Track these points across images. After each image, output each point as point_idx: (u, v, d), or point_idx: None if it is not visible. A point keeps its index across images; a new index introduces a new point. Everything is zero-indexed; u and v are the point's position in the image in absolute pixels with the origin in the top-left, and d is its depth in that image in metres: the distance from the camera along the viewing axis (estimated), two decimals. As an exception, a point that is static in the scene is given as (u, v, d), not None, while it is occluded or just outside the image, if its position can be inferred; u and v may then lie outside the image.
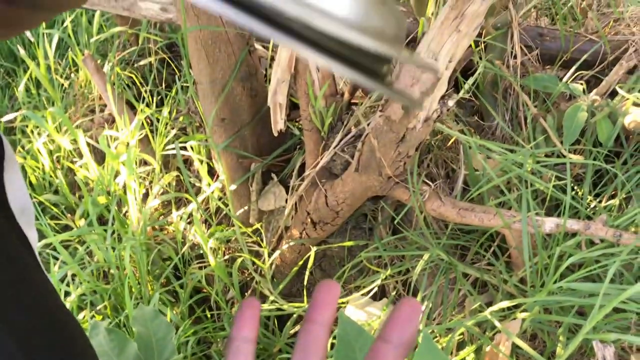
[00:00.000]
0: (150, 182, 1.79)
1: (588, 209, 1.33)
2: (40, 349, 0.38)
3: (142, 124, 1.76)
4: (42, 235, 1.64)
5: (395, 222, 1.39)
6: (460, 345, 1.23)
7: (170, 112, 1.85)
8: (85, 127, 2.04)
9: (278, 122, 1.33)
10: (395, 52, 0.29)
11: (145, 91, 1.95)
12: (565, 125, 1.35)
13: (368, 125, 1.15)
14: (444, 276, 1.31)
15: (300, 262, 1.46)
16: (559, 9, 1.59)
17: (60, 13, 0.45)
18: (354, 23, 0.28)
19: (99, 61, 2.00)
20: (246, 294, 1.58)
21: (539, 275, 1.15)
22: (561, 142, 1.34)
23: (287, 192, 1.51)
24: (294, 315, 1.43)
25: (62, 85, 2.23)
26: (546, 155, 1.34)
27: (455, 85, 1.47)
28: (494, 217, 1.14)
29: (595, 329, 1.06)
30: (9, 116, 2.07)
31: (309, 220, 1.35)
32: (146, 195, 1.75)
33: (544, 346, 1.20)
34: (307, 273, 1.43)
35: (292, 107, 1.50)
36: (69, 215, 1.87)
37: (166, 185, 1.77)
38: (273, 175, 1.56)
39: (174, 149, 1.70)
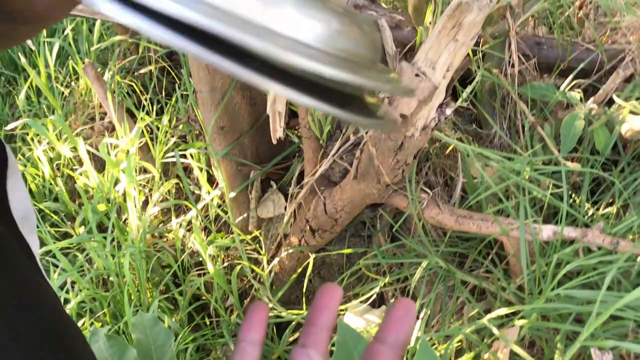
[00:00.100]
0: (150, 189, 1.80)
1: (586, 217, 1.34)
2: (42, 352, 0.38)
3: (142, 131, 1.77)
4: (42, 243, 1.64)
5: (394, 229, 1.39)
6: (459, 353, 1.23)
7: (170, 120, 1.86)
8: (85, 135, 2.05)
9: (277, 130, 1.33)
10: (364, 78, 0.26)
11: (146, 99, 1.96)
12: (562, 133, 1.35)
13: (366, 133, 1.16)
14: (442, 283, 1.31)
15: (299, 270, 1.46)
16: (556, 18, 1.60)
17: (45, 26, 0.43)
18: (318, 48, 0.26)
19: (99, 69, 2.01)
20: (245, 301, 1.58)
21: (537, 282, 1.15)
22: (559, 150, 1.34)
23: (286, 200, 1.51)
24: (293, 323, 1.44)
25: (63, 93, 2.24)
26: (544, 163, 1.35)
27: (453, 93, 1.48)
28: (492, 225, 1.14)
29: (593, 336, 1.06)
30: (12, 125, 2.08)
31: (308, 227, 1.36)
32: (146, 203, 1.76)
33: (542, 353, 1.20)
34: (306, 280, 1.44)
35: (291, 115, 1.51)
36: (68, 222, 1.88)
37: (166, 193, 1.78)
38: (272, 182, 1.57)
39: (173, 156, 1.70)
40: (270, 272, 1.50)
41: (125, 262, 1.48)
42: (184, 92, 1.92)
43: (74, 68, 2.25)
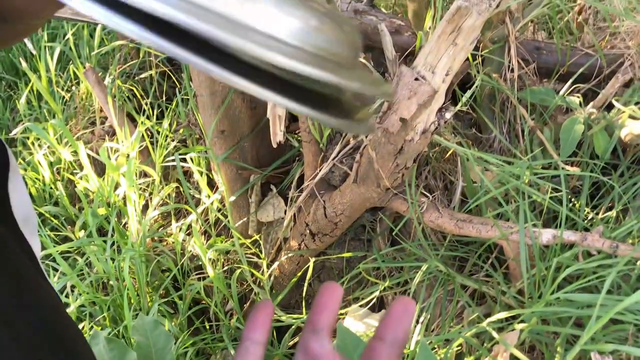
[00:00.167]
0: (150, 193, 1.80)
1: (585, 221, 1.34)
2: (42, 352, 0.38)
3: (143, 136, 1.77)
4: (42, 247, 1.64)
5: (394, 233, 1.39)
6: (459, 357, 1.23)
7: (170, 124, 1.87)
8: (85, 139, 2.05)
9: (277, 134, 1.34)
10: (341, 77, 0.26)
11: (146, 103, 1.96)
12: (562, 137, 1.36)
13: (366, 137, 1.16)
14: (442, 287, 1.31)
15: (299, 274, 1.46)
16: (555, 23, 1.61)
17: (30, 26, 0.42)
18: (295, 45, 0.25)
19: (100, 74, 2.01)
20: (245, 305, 1.58)
21: (537, 286, 1.15)
22: (558, 155, 1.35)
23: (286, 204, 1.52)
24: (293, 327, 1.44)
25: (64, 97, 2.24)
26: (543, 168, 1.35)
27: (453, 98, 1.48)
28: (492, 229, 1.14)
29: (594, 340, 1.06)
30: (15, 130, 2.08)
31: (308, 231, 1.36)
32: (146, 207, 1.76)
33: (542, 357, 1.20)
34: (306, 284, 1.44)
35: (291, 119, 1.51)
36: (68, 226, 1.88)
37: (166, 197, 1.78)
38: (272, 186, 1.57)
39: (174, 160, 1.71)
40: (270, 276, 1.50)
41: (125, 266, 1.48)
42: (185, 96, 1.92)
43: (74, 72, 2.26)
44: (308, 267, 1.41)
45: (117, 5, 0.22)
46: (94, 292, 1.61)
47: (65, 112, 2.18)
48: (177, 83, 2.03)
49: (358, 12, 1.62)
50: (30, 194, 2.01)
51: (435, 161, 1.44)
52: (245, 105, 1.43)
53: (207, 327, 1.59)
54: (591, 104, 1.41)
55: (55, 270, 1.65)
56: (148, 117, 1.92)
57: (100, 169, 1.93)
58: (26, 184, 1.99)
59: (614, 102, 1.38)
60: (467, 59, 1.34)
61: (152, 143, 1.84)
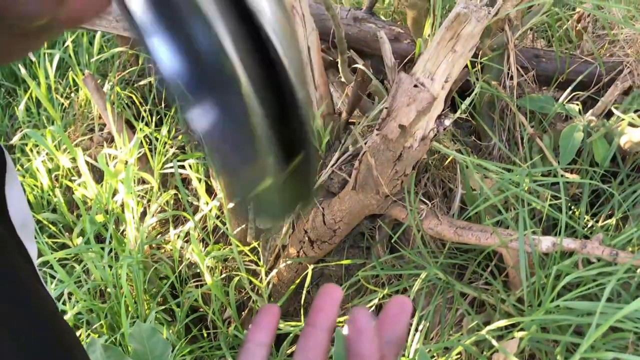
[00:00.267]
0: (148, 200, 1.79)
1: (585, 229, 1.33)
2: (42, 355, 0.38)
3: (141, 142, 1.77)
4: (39, 253, 1.63)
5: (393, 240, 1.39)
6: (458, 365, 1.23)
7: (169, 131, 1.86)
8: (84, 146, 2.05)
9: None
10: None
11: (145, 110, 1.96)
12: (561, 145, 1.35)
13: (365, 144, 1.16)
14: (441, 295, 1.31)
15: (298, 281, 1.45)
16: (554, 31, 1.61)
17: (42, 43, 0.41)
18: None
19: (99, 81, 2.01)
20: (243, 313, 1.57)
21: (536, 294, 1.15)
22: (558, 162, 1.34)
23: (284, 211, 1.51)
24: (291, 335, 1.43)
25: (62, 104, 2.24)
26: (543, 175, 1.35)
27: (452, 105, 1.48)
28: (491, 236, 1.14)
29: (593, 348, 1.05)
30: (14, 139, 2.08)
31: (307, 238, 1.36)
32: (144, 214, 1.75)
33: (542, 366, 1.19)
34: (304, 292, 1.43)
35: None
36: (66, 233, 1.87)
37: (164, 204, 1.77)
38: (271, 194, 1.56)
39: (172, 167, 1.70)
40: (268, 283, 1.49)
41: (122, 273, 1.48)
42: (184, 103, 1.91)
43: (74, 79, 2.26)
44: (307, 274, 1.40)
45: None
46: (91, 300, 1.60)
47: (64, 119, 2.18)
48: (176, 90, 2.03)
49: (357, 19, 1.62)
50: (29, 201, 2.00)
51: (434, 168, 1.44)
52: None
53: (205, 335, 1.58)
54: (590, 111, 1.41)
55: (53, 277, 1.64)
56: (147, 124, 1.92)
57: (98, 175, 1.92)
58: (24, 190, 1.98)
59: (613, 109, 1.38)
60: (466, 66, 1.34)
61: (150, 150, 1.84)
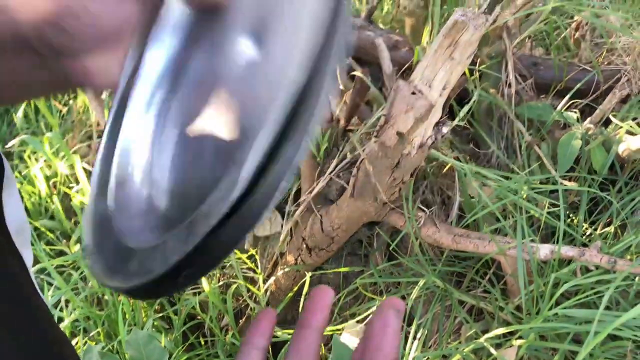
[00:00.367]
0: (147, 207, 1.79)
1: (583, 237, 1.33)
2: (39, 357, 0.38)
3: (140, 149, 1.77)
4: (36, 261, 1.63)
5: (391, 248, 1.39)
6: (456, 374, 1.22)
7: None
8: (82, 153, 2.05)
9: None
10: None
11: (143, 117, 1.96)
12: (559, 153, 1.35)
13: (363, 151, 1.16)
14: (439, 303, 1.30)
15: (295, 289, 1.45)
16: (552, 39, 1.61)
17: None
18: None
19: (97, 88, 2.01)
20: (240, 321, 1.56)
21: (535, 302, 1.14)
22: (556, 170, 1.34)
23: (282, 218, 1.51)
24: (288, 343, 1.42)
25: (61, 111, 2.24)
26: (541, 183, 1.35)
27: (450, 113, 1.48)
28: (489, 244, 1.14)
29: (592, 356, 1.05)
30: (11, 143, 2.08)
31: (304, 246, 1.35)
32: (142, 221, 1.75)
33: (541, 375, 1.19)
34: (302, 300, 1.42)
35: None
36: (64, 240, 1.87)
37: (162, 211, 1.77)
38: (269, 201, 1.56)
39: (170, 174, 1.69)
40: (266, 291, 1.49)
41: (120, 280, 1.47)
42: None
43: (72, 86, 2.26)
44: (304, 282, 1.40)
45: None
46: (88, 307, 1.59)
47: (62, 126, 2.18)
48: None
49: (356, 27, 1.62)
50: (26, 208, 2.00)
51: (432, 176, 1.44)
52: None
53: (202, 342, 1.57)
54: (588, 119, 1.41)
55: (50, 284, 1.63)
56: (145, 131, 1.91)
57: (96, 182, 1.92)
58: (22, 197, 1.98)
59: (611, 117, 1.38)
60: (465, 73, 1.34)
61: (149, 157, 1.83)
